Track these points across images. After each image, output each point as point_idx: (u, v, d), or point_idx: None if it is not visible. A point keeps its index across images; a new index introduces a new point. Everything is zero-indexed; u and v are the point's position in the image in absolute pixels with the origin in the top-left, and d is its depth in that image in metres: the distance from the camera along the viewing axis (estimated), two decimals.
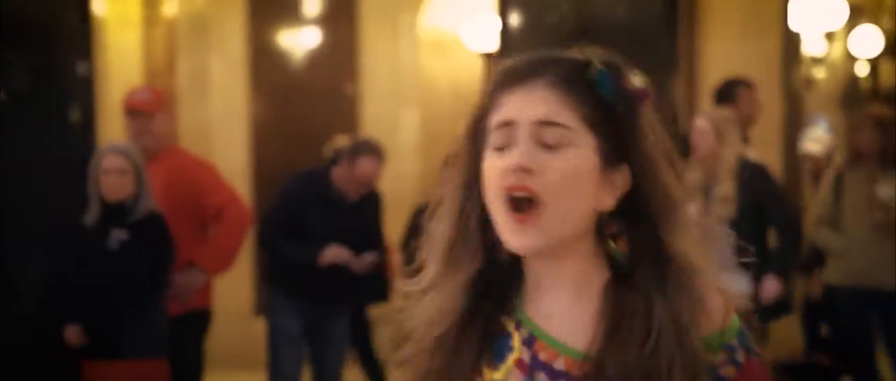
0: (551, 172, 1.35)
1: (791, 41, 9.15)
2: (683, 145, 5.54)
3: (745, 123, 5.70)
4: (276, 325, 5.44)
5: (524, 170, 1.35)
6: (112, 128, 6.78)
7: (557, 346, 1.37)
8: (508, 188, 1.36)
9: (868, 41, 12.05)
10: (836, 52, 11.60)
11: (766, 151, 6.82)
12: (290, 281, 5.40)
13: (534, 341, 1.39)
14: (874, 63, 12.92)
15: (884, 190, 5.74)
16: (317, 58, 9.00)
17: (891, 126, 5.84)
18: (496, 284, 1.44)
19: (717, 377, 1.30)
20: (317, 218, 5.35)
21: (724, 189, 5.18)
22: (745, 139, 5.65)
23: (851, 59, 12.43)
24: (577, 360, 1.34)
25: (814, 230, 6.00)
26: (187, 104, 8.68)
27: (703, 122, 5.25)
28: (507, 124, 1.39)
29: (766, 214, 5.24)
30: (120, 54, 8.69)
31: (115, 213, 4.54)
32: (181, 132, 7.52)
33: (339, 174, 5.40)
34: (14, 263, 5.40)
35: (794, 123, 9.27)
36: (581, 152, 1.36)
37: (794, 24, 9.11)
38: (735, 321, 1.37)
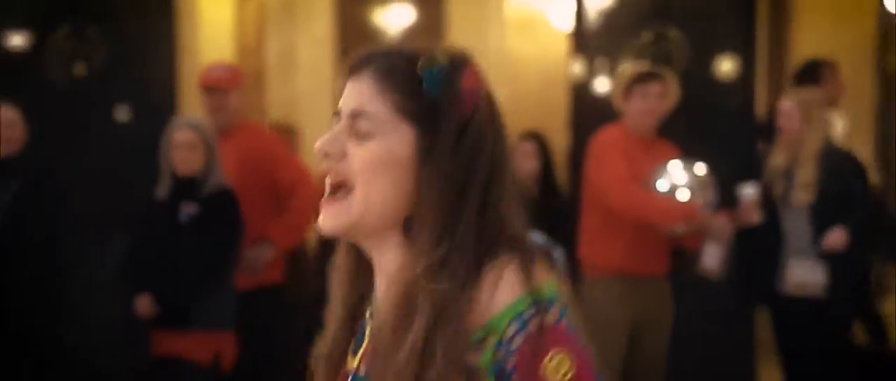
0: (356, 160, 1.38)
1: (886, 24, 8.91)
2: (767, 128, 5.44)
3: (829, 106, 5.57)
4: None
5: (329, 156, 1.40)
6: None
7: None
8: (326, 173, 1.41)
9: None
10: None
11: (858, 138, 6.67)
12: None
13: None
14: None
15: None
16: (403, 36, 9.03)
17: None
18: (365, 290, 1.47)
19: (500, 370, 1.27)
20: None
21: (804, 174, 5.07)
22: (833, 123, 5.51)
23: None
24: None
25: None
26: (275, 82, 8.77)
27: (789, 103, 5.13)
28: (336, 114, 1.43)
29: (850, 202, 5.10)
30: (212, 31, 8.81)
31: (185, 187, 4.61)
32: (269, 109, 7.61)
33: None
34: (97, 236, 5.54)
35: (888, 110, 9.04)
36: (390, 143, 1.37)
37: (890, 4, 8.86)
38: (549, 287, 1.33)
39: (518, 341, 1.29)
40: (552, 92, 8.69)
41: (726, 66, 6.99)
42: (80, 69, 5.30)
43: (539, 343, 1.29)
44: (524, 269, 1.33)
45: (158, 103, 5.72)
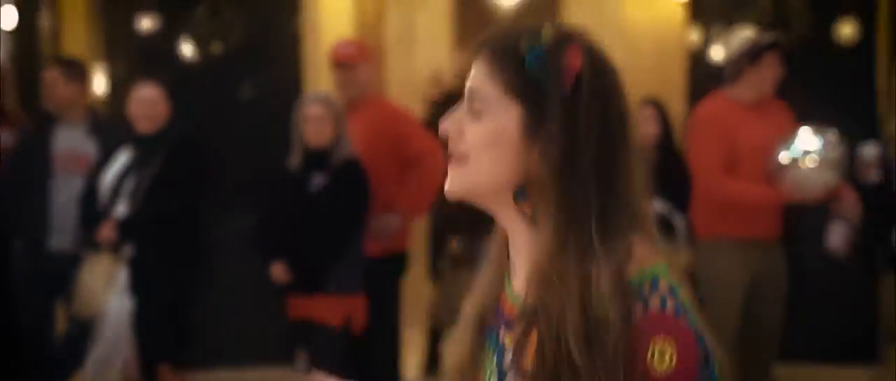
0: (470, 136, 1.47)
1: None
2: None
3: None
4: None
5: (450, 134, 1.50)
6: (325, 79, 7.13)
7: (512, 297, 1.51)
8: (447, 154, 1.52)
9: None
10: None
11: None
12: None
13: (506, 297, 1.54)
14: None
15: None
16: (521, 11, 9.13)
17: None
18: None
19: (625, 317, 1.35)
20: None
21: None
22: None
23: None
24: (517, 303, 1.47)
25: None
26: (395, 58, 8.95)
27: None
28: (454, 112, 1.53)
29: None
30: (332, 9, 9.03)
31: (315, 158, 4.82)
32: (390, 85, 7.80)
33: None
34: (229, 205, 5.81)
35: None
36: (499, 121, 1.46)
37: None
38: (654, 269, 1.40)
39: (642, 314, 1.36)
40: (668, 60, 8.71)
41: (846, 30, 6.94)
42: (216, 47, 5.55)
43: (643, 331, 1.35)
44: (630, 254, 1.40)
45: (285, 79, 5.96)
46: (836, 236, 4.93)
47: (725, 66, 5.08)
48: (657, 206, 5.42)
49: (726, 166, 4.86)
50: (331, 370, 5.07)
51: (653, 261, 1.40)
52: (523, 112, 1.45)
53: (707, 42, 6.20)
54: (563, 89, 1.42)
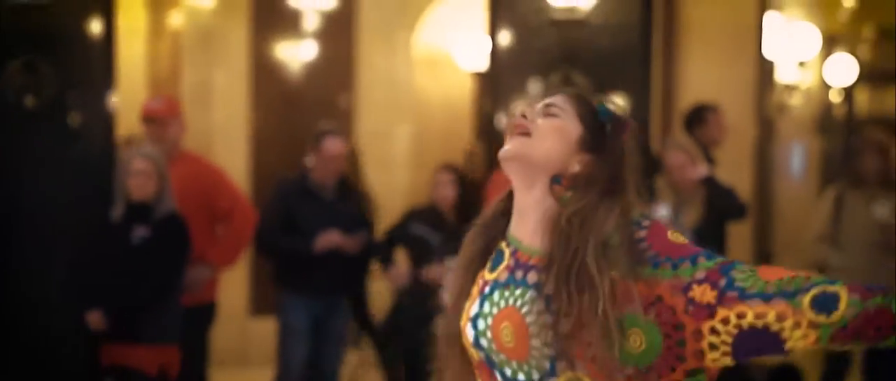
0: (541, 123, 2.07)
1: (766, 68, 9.61)
2: (655, 163, 6.01)
3: (712, 146, 6.17)
4: (286, 322, 5.85)
5: (526, 118, 2.08)
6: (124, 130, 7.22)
7: (529, 250, 2.05)
8: (514, 126, 2.10)
9: (843, 70, 12.51)
10: (811, 79, 12.07)
11: (737, 174, 7.27)
12: (295, 278, 5.83)
13: (516, 251, 2.08)
14: (849, 91, 13.41)
15: (881, 210, 6.18)
16: (315, 72, 9.41)
17: (889, 150, 6.29)
18: (499, 228, 2.16)
19: (632, 239, 1.96)
20: (304, 213, 5.80)
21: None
22: (712, 160, 6.11)
23: (826, 86, 12.90)
24: (539, 255, 2.02)
25: (813, 248, 6.43)
26: (191, 114, 9.06)
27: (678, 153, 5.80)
28: (531, 106, 2.15)
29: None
30: (125, 64, 9.09)
31: (138, 211, 4.99)
32: (185, 141, 7.94)
33: (313, 166, 5.86)
34: (35, 252, 5.87)
35: (766, 148, 9.74)
36: (567, 125, 2.07)
37: (768, 53, 9.56)
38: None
39: (644, 231, 1.98)
40: (457, 127, 9.21)
41: (624, 105, 7.57)
42: (30, 101, 5.65)
43: (654, 232, 1.98)
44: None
45: (97, 134, 6.09)
46: None
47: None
48: (453, 264, 5.82)
49: None
50: None
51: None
52: (583, 131, 2.07)
53: (498, 113, 6.66)
54: (619, 135, 2.07)
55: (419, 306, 5.87)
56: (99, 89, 6.11)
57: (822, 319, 1.81)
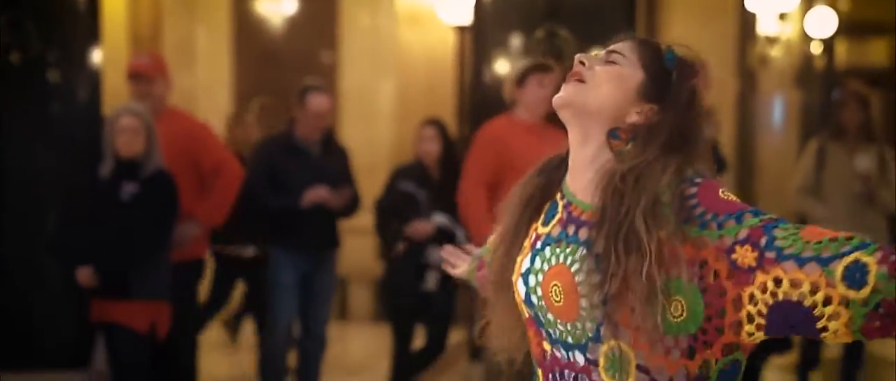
0: (598, 69, 1.96)
1: (747, 21, 9.65)
2: None
3: None
4: (275, 279, 5.89)
5: (581, 63, 1.97)
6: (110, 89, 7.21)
7: (582, 205, 1.96)
8: (571, 73, 1.99)
9: (823, 22, 12.56)
10: (792, 32, 12.12)
11: (721, 128, 7.31)
12: (282, 235, 5.86)
13: (569, 204, 1.99)
14: (828, 43, 13.47)
15: (862, 162, 6.24)
16: (298, 28, 9.42)
17: (870, 102, 6.35)
18: (555, 179, 2.07)
19: (683, 196, 1.85)
20: (290, 170, 5.82)
21: None
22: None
23: (806, 38, 12.96)
24: (592, 210, 1.92)
25: (796, 198, 6.51)
26: (174, 71, 9.04)
27: None
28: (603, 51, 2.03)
29: None
30: (107, 22, 9.06)
31: (127, 168, 5.01)
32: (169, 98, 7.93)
33: (297, 122, 5.88)
34: (22, 209, 5.90)
35: (748, 100, 9.79)
36: (627, 72, 1.95)
37: (750, 5, 9.60)
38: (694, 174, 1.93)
39: (694, 189, 1.86)
40: (440, 83, 9.22)
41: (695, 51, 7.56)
42: (15, 57, 5.65)
43: (706, 187, 1.87)
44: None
45: (83, 92, 6.09)
46: None
47: (505, 89, 5.54)
48: (439, 219, 5.86)
49: (492, 183, 5.28)
50: (135, 374, 5.30)
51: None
52: (646, 78, 1.95)
53: (484, 69, 6.68)
54: (684, 84, 1.95)
55: (406, 263, 5.92)
56: (84, 46, 6.11)
57: (852, 294, 1.65)
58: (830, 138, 6.41)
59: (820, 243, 1.69)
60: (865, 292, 1.63)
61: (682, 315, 1.80)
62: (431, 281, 5.89)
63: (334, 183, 5.86)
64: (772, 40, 10.84)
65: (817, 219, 6.35)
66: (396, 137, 9.13)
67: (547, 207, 2.04)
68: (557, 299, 1.91)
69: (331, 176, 5.88)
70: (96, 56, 6.18)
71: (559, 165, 2.06)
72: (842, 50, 15.25)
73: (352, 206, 6.04)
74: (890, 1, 11.79)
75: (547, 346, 1.98)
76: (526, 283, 1.98)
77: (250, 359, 6.71)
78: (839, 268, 1.66)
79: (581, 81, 1.95)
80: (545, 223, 2.02)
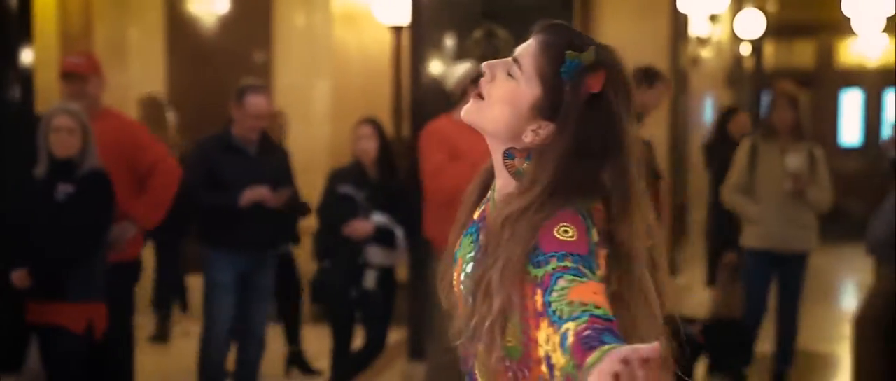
0: (497, 86, 1.93)
1: (679, 22, 9.77)
2: None
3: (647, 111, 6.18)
4: (211, 278, 5.85)
5: (486, 74, 1.95)
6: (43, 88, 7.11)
7: (490, 201, 2.00)
8: (478, 85, 1.97)
9: (752, 24, 12.79)
10: (722, 33, 12.30)
11: (653, 127, 7.39)
12: (220, 235, 5.83)
13: (488, 201, 2.04)
14: (757, 45, 13.70)
15: (793, 161, 6.36)
16: (231, 27, 9.34)
17: (800, 103, 6.47)
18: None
19: (531, 240, 1.83)
20: (228, 170, 5.79)
21: None
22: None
23: (736, 40, 13.17)
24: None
25: (729, 197, 6.60)
26: (105, 70, 8.97)
27: None
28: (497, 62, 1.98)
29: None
30: (36, 20, 8.93)
31: (62, 168, 4.94)
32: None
33: (235, 122, 5.86)
34: None
35: (679, 100, 9.91)
36: (521, 90, 1.90)
37: (682, 6, 9.72)
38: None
39: (547, 221, 1.83)
40: (376, 83, 9.20)
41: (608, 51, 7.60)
42: None
43: (560, 217, 1.82)
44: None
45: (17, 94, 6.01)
46: None
47: (452, 92, 5.55)
48: (378, 219, 5.86)
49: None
50: (70, 375, 5.22)
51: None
52: (541, 95, 1.88)
53: (419, 65, 6.69)
54: (577, 100, 1.85)
55: (345, 263, 5.91)
56: (14, 45, 6.02)
57: (562, 360, 1.65)
58: (762, 138, 6.52)
59: (572, 304, 1.67)
60: (564, 360, 1.64)
61: (513, 343, 1.85)
62: (370, 280, 5.89)
63: (273, 182, 5.83)
64: (703, 41, 10.99)
65: (750, 217, 6.47)
66: (332, 137, 9.09)
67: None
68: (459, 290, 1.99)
69: (269, 175, 5.86)
70: (27, 55, 6.09)
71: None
72: (770, 51, 15.52)
73: (297, 205, 6.03)
74: (815, 3, 12.01)
75: None
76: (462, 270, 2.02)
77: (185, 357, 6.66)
78: (570, 328, 1.63)
79: (481, 96, 1.94)
80: (477, 210, 2.06)
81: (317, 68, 9.19)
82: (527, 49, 1.91)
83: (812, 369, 7.42)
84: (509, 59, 1.93)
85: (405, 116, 8.60)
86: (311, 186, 6.49)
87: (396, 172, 6.11)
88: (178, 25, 9.30)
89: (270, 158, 5.97)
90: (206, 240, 5.91)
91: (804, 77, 14.61)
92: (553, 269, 1.73)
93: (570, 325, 1.62)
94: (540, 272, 1.76)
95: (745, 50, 13.61)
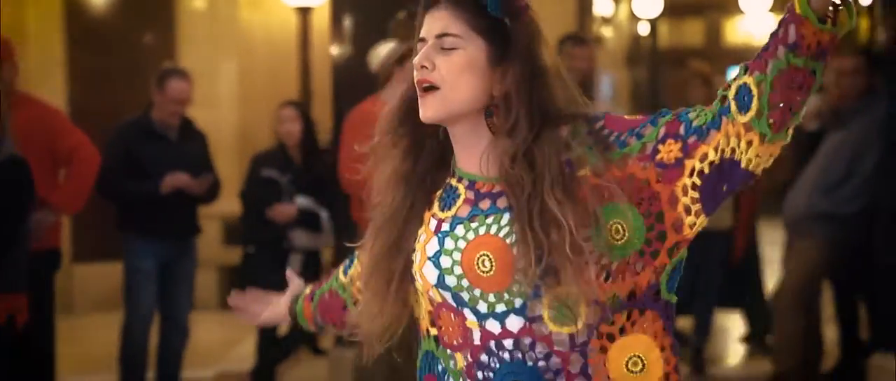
0: (443, 68, 1.88)
1: (585, 0, 9.86)
2: None
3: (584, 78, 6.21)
4: (133, 266, 5.73)
5: (423, 66, 1.88)
6: None
7: (487, 179, 1.91)
8: (418, 81, 1.90)
9: (650, 3, 12.95)
10: (622, 12, 12.45)
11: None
12: (140, 222, 5.71)
13: (473, 183, 1.94)
14: (654, 24, 13.90)
15: None
16: (134, 7, 9.16)
17: (712, 81, 6.56)
18: (437, 160, 2.00)
19: (593, 131, 1.86)
20: (148, 155, 5.68)
21: None
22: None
23: (635, 19, 13.33)
24: (497, 181, 1.89)
25: None
26: None
27: None
28: (421, 41, 1.92)
29: None
30: None
31: None
32: None
33: (155, 106, 5.75)
34: None
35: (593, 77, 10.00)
36: (469, 53, 1.87)
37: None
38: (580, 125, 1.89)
39: (600, 122, 1.87)
40: (283, 66, 9.10)
41: None
42: None
43: (617, 114, 1.89)
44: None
45: None
46: None
47: (377, 72, 5.49)
48: (302, 202, 5.81)
49: None
50: None
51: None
52: (488, 44, 1.87)
53: (344, 50, 6.64)
54: (522, 20, 1.85)
55: (269, 247, 5.84)
56: None
57: (749, 116, 1.72)
58: None
59: (717, 98, 1.76)
60: (755, 105, 1.71)
61: (623, 237, 1.82)
62: (295, 265, 5.84)
63: (194, 169, 5.73)
64: (607, 20, 11.11)
65: None
66: (239, 120, 8.98)
67: (439, 194, 1.98)
68: (486, 269, 1.86)
69: (190, 161, 5.76)
70: None
71: (435, 152, 2.00)
72: (663, 30, 15.78)
73: (213, 191, 5.93)
74: None
75: (472, 324, 1.91)
76: (437, 266, 1.91)
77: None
78: (733, 104, 1.74)
79: (434, 87, 1.89)
80: (445, 209, 1.96)
81: (221, 51, 9.06)
82: (443, 20, 1.89)
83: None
84: (432, 42, 1.90)
85: (314, 98, 8.52)
86: (218, 170, 6.37)
87: (320, 155, 6.06)
88: (77, 8, 9.07)
89: (191, 144, 5.86)
90: (127, 227, 5.79)
91: (694, 55, 14.88)
92: (672, 116, 1.82)
93: (738, 79, 1.74)
94: (647, 139, 1.81)
95: (644, 29, 13.80)
